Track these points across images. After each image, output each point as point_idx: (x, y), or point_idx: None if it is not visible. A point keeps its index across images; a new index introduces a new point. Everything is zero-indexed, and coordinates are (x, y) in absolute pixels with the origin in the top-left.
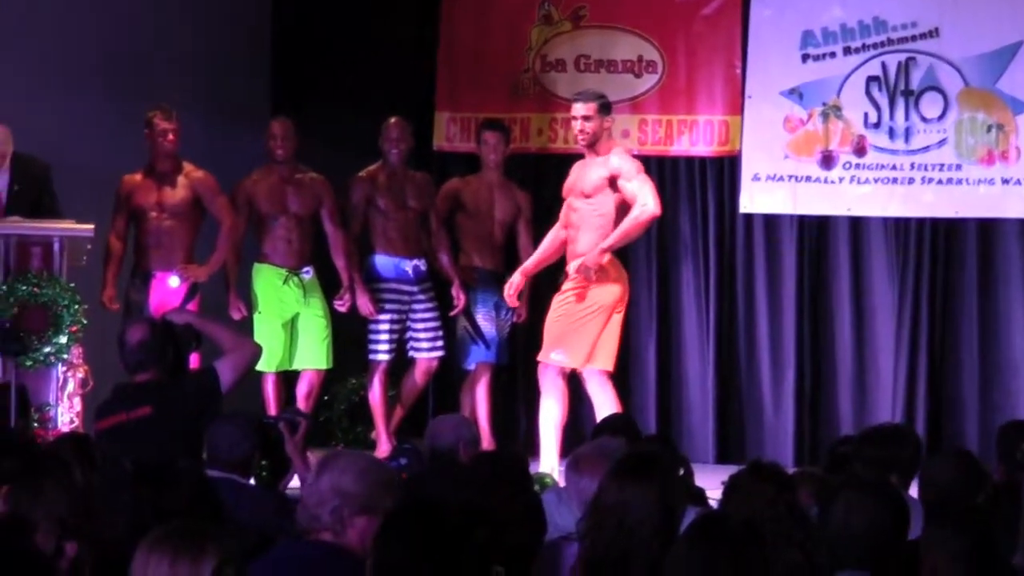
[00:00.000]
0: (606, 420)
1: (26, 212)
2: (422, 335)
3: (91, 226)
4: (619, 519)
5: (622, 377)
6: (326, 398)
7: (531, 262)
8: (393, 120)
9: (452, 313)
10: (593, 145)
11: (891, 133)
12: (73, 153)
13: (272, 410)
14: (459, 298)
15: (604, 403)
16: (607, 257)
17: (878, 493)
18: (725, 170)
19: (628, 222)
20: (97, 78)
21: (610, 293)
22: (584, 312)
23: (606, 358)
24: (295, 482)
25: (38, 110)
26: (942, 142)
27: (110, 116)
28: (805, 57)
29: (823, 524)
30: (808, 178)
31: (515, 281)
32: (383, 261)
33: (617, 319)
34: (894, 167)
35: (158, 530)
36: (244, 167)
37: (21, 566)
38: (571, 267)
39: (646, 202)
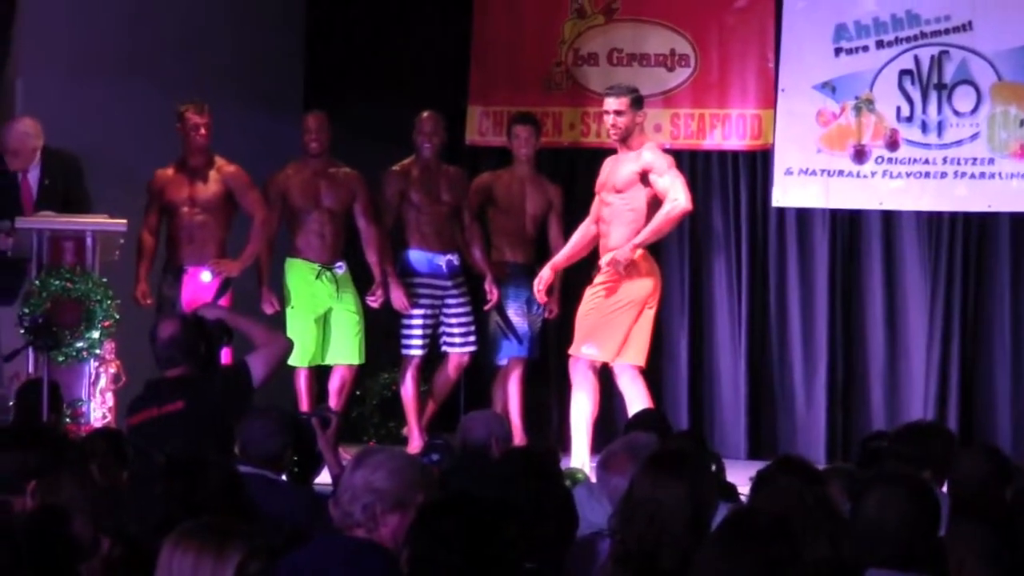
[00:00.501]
0: (637, 416)
1: (57, 206)
2: (455, 330)
3: (124, 221)
4: (650, 514)
5: (654, 372)
6: (358, 393)
7: (560, 257)
8: (426, 114)
9: (486, 308)
10: (625, 139)
11: (924, 127)
12: (106, 147)
13: (304, 405)
14: (492, 293)
15: (635, 398)
16: (639, 252)
17: (911, 488)
18: (758, 164)
19: (659, 218)
20: (129, 71)
21: (642, 288)
22: (615, 306)
23: (637, 353)
24: (325, 477)
25: (70, 103)
26: (975, 136)
27: (142, 109)
28: (838, 51)
29: (855, 518)
30: (840, 172)
31: (544, 276)
32: (417, 256)
33: (649, 314)
34: (927, 161)
35: (184, 526)
36: (277, 161)
37: (56, 552)
38: (603, 261)
39: (677, 197)
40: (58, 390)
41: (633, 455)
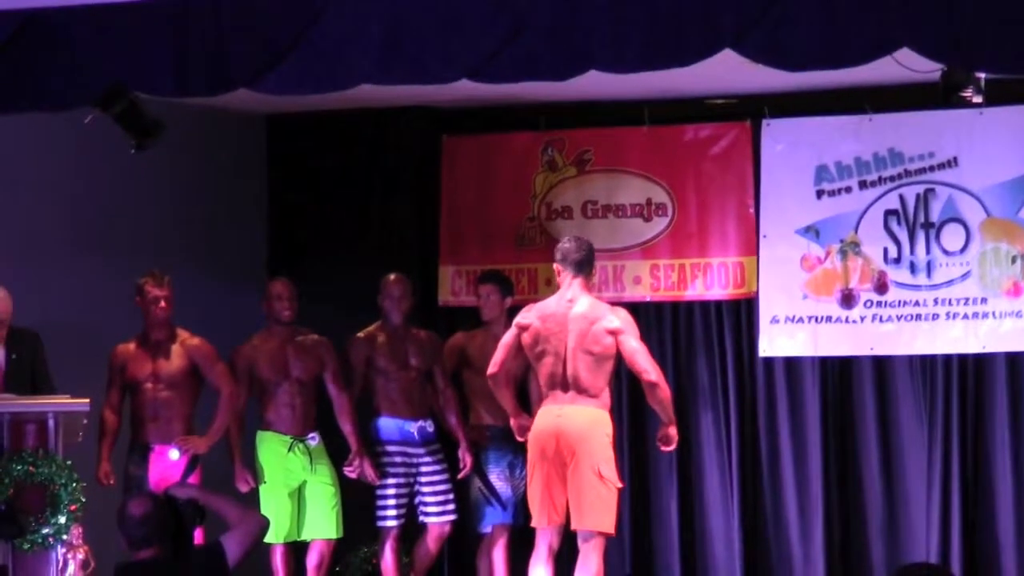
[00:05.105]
0: None
1: (26, 381)
2: (430, 499)
3: (86, 400)
4: None
5: (644, 534)
6: (337, 569)
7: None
8: (393, 277)
9: (459, 476)
10: None
11: (912, 268)
12: (62, 324)
13: None
14: (465, 461)
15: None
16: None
17: None
18: (742, 313)
19: None
20: (84, 246)
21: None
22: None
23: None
24: None
25: (23, 282)
26: (966, 275)
27: (102, 281)
28: (820, 193)
29: None
30: (828, 318)
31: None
32: (387, 424)
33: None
34: (917, 303)
35: None
36: (242, 331)
37: None
38: None
39: None
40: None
41: None
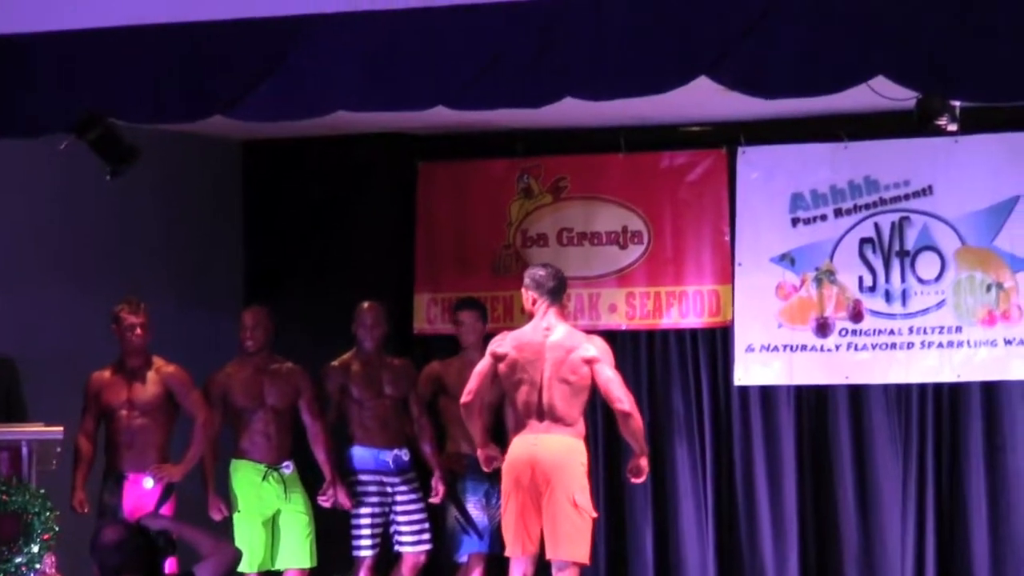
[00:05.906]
0: None
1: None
2: (404, 528)
3: (60, 428)
4: None
5: (620, 564)
6: None
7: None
8: (366, 305)
9: (432, 502)
10: None
11: (887, 296)
12: (40, 349)
13: None
14: (438, 489)
15: None
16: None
17: None
18: (717, 341)
19: None
20: (64, 269)
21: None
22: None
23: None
24: None
25: (2, 304)
26: (941, 304)
27: (78, 308)
28: (795, 221)
29: None
30: (804, 347)
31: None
32: (361, 453)
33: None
34: (892, 332)
35: None
36: (219, 359)
37: None
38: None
39: None
40: None
41: None
